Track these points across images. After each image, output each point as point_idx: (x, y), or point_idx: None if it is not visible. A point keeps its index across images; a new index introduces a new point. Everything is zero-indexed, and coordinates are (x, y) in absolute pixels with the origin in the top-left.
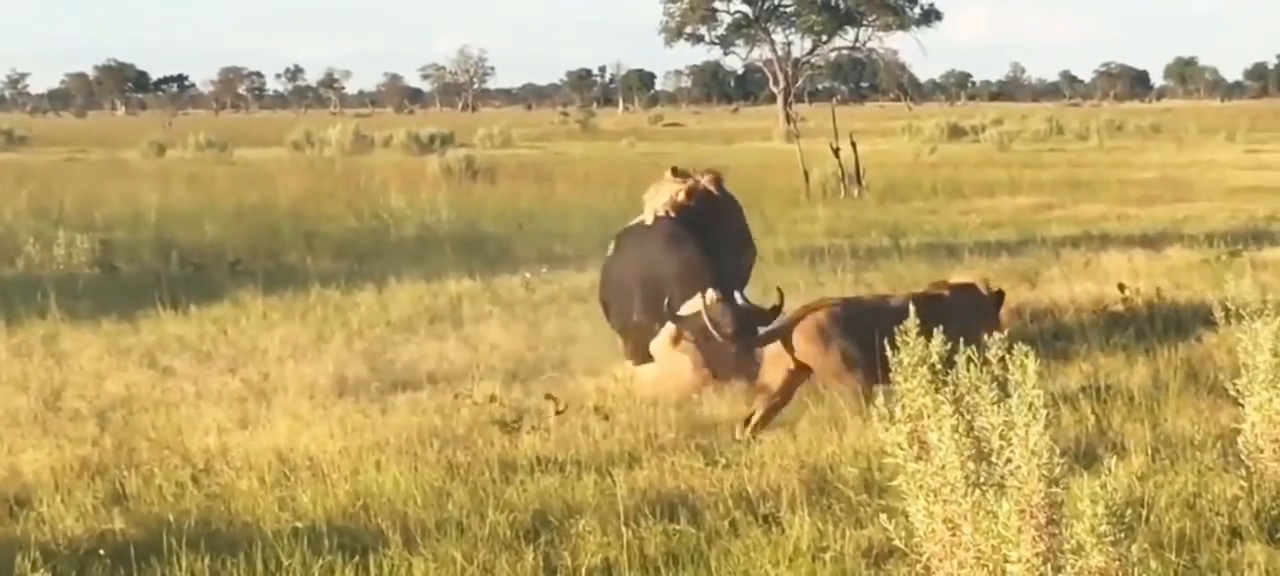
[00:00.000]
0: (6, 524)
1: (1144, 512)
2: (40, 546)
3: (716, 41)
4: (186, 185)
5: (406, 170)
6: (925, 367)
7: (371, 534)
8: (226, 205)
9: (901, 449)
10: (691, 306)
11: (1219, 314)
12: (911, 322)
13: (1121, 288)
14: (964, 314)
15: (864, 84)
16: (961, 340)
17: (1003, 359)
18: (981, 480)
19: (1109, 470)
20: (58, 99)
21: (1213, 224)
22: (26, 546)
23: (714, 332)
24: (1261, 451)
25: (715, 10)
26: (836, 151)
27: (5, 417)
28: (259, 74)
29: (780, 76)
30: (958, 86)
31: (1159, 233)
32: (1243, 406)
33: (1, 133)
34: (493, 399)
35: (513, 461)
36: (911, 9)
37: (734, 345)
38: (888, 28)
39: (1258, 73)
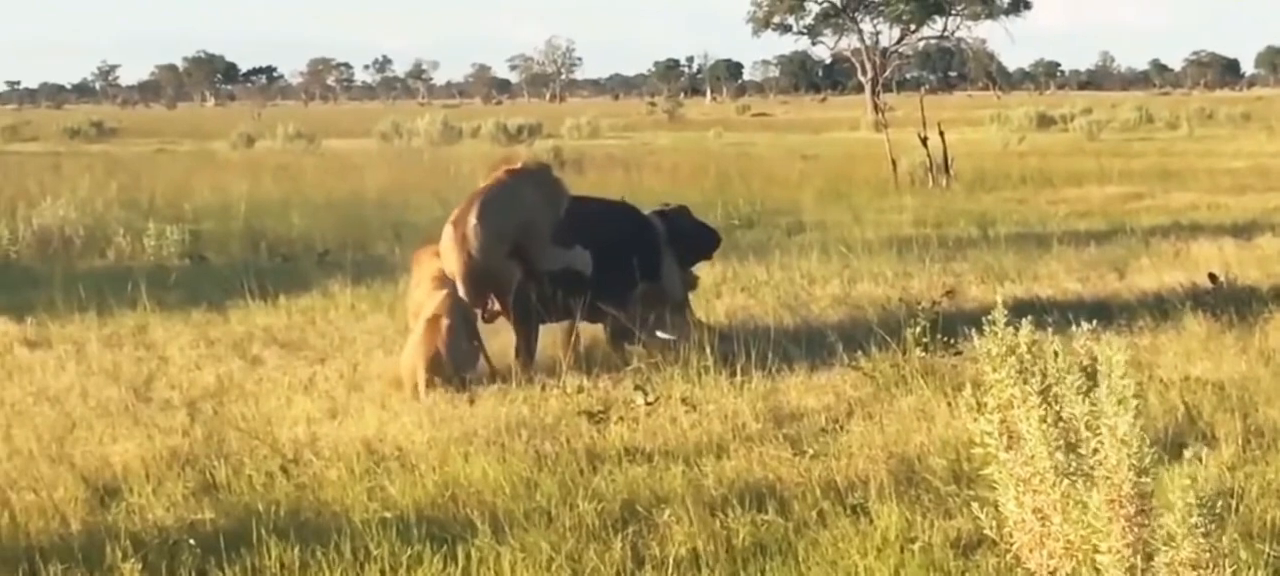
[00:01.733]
0: (98, 513)
1: (1235, 503)
2: (131, 536)
3: (804, 31)
4: (275, 176)
5: (494, 161)
6: (1014, 357)
7: (460, 524)
8: (315, 196)
9: (990, 439)
10: None
11: None
12: None
13: (1212, 277)
14: None
15: (952, 73)
16: None
17: (1091, 349)
18: (1071, 470)
19: (1199, 460)
20: (148, 90)
21: None
22: (117, 536)
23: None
24: None
25: (803, 0)
26: (924, 141)
27: (97, 408)
28: (347, 65)
29: (868, 66)
30: (1046, 75)
31: (1250, 222)
32: None
33: (92, 124)
34: (581, 389)
35: (600, 451)
36: None
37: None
38: (976, 16)
39: None
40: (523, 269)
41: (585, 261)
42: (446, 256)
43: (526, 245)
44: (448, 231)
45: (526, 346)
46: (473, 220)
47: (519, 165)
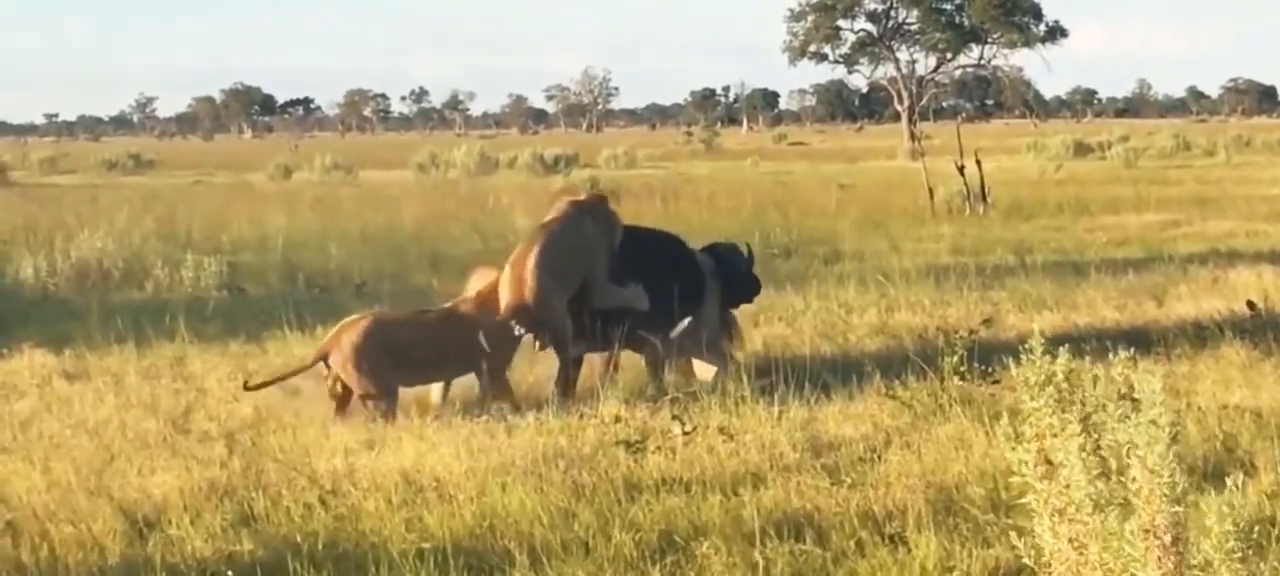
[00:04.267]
0: (136, 545)
1: (1274, 531)
2: (169, 567)
3: (841, 60)
4: (312, 208)
5: (531, 191)
6: (1051, 386)
7: (498, 554)
8: (352, 227)
9: (1027, 468)
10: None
11: None
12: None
13: (1250, 304)
14: (482, 331)
15: (989, 101)
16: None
17: (1129, 377)
18: (1108, 499)
19: (1238, 488)
20: (185, 122)
21: None
22: (155, 568)
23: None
24: None
25: (839, 29)
26: (961, 169)
27: (135, 439)
28: (384, 96)
29: (905, 94)
30: (1083, 103)
31: None
32: None
33: (130, 156)
34: (618, 419)
35: (638, 481)
36: (1037, 26)
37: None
38: (1013, 45)
39: None
40: (576, 304)
41: (641, 298)
42: (502, 291)
43: (588, 282)
44: (507, 271)
45: (567, 376)
46: (531, 262)
47: (582, 196)
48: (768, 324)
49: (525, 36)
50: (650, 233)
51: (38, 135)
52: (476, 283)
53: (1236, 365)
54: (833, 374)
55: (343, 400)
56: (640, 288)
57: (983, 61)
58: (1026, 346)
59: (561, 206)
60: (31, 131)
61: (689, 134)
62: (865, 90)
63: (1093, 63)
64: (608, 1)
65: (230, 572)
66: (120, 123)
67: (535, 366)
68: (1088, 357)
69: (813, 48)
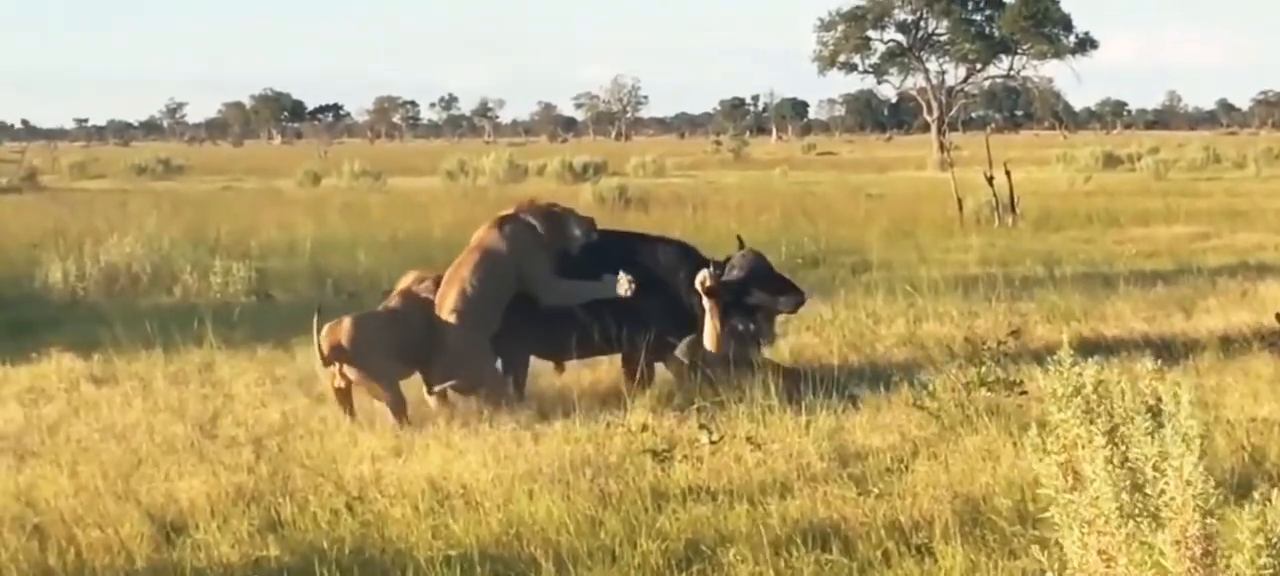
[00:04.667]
0: (163, 550)
1: None
2: (196, 572)
3: (870, 70)
4: (341, 214)
5: (560, 199)
6: (1079, 397)
7: (524, 562)
8: (381, 234)
9: (1055, 479)
10: None
11: None
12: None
13: (1279, 317)
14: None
15: (1018, 112)
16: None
17: (1157, 388)
18: (1136, 511)
19: (1267, 501)
20: (215, 128)
21: None
22: (182, 573)
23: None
24: None
25: (869, 39)
26: (991, 180)
27: (163, 444)
28: (413, 103)
29: (934, 105)
30: (1113, 114)
31: None
32: None
33: (159, 161)
34: (645, 427)
35: (665, 490)
36: (1067, 37)
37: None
38: (1042, 56)
39: None
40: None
41: (608, 288)
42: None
43: (529, 290)
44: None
45: (496, 396)
46: (446, 308)
47: (509, 211)
48: (795, 333)
49: (555, 44)
50: (669, 241)
51: (68, 140)
52: (406, 283)
53: (1265, 378)
54: (860, 383)
55: (344, 397)
56: (612, 277)
57: (1012, 72)
58: (1055, 357)
59: (480, 233)
60: (61, 136)
61: (718, 143)
62: (894, 100)
63: (1122, 74)
64: (638, 10)
65: None
66: (150, 128)
67: (536, 380)
68: (1116, 369)
69: (842, 57)
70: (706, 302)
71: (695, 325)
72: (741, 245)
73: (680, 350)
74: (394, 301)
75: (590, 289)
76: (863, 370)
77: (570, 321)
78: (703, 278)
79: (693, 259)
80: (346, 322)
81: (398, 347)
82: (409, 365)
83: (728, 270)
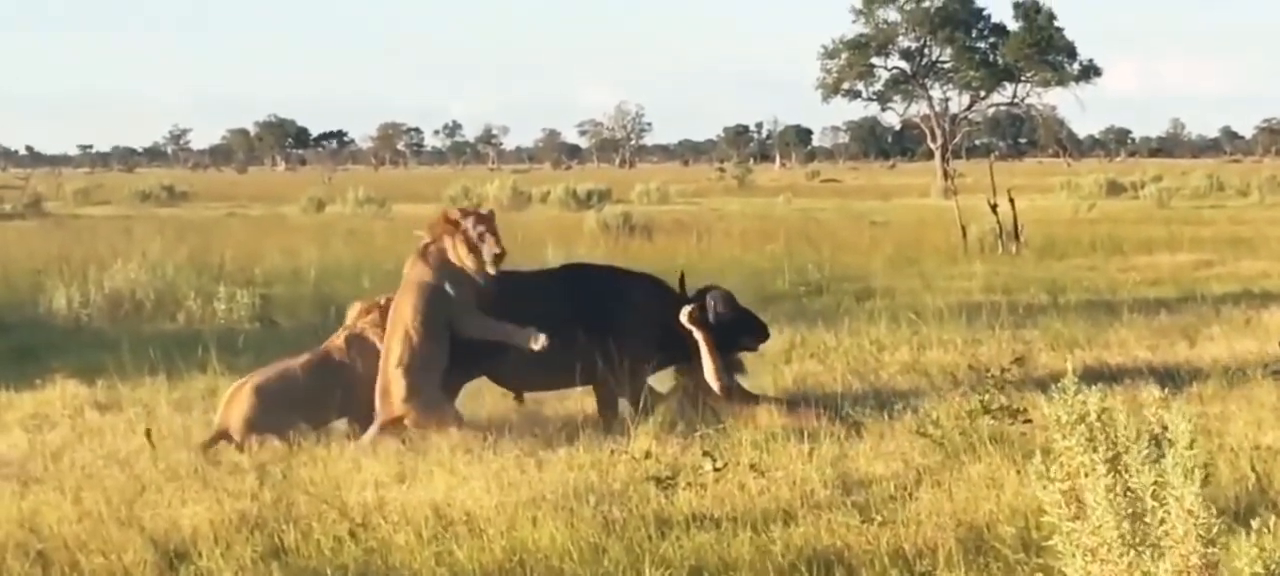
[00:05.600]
0: None
1: None
2: None
3: (874, 97)
4: (345, 241)
5: (564, 226)
6: (1083, 425)
7: None
8: (385, 261)
9: (1058, 507)
10: None
11: None
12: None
13: None
14: (356, 366)
15: (1022, 140)
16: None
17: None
18: (1138, 540)
19: (1268, 530)
20: (219, 154)
21: None
22: None
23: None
24: None
25: (873, 66)
26: (994, 208)
27: (166, 471)
28: (418, 130)
29: (938, 132)
30: (1117, 142)
31: None
32: None
33: (163, 188)
34: (649, 455)
35: (669, 517)
36: (1071, 65)
37: None
38: (1046, 83)
39: None
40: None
41: (524, 338)
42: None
43: (454, 319)
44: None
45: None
46: (387, 354)
47: (428, 240)
48: (799, 360)
49: (559, 72)
50: (648, 278)
51: (72, 166)
52: (353, 316)
53: (1269, 405)
54: (864, 411)
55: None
56: (530, 331)
57: (1016, 100)
58: (1059, 385)
59: (410, 261)
60: (66, 162)
61: (721, 170)
62: (898, 128)
63: (1126, 102)
64: (641, 37)
65: None
66: (154, 154)
67: (564, 400)
68: (1120, 397)
69: (846, 85)
70: (698, 338)
71: (659, 356)
72: (682, 281)
73: (667, 388)
74: (320, 352)
75: (505, 331)
76: (866, 397)
77: (530, 355)
78: (689, 312)
79: (661, 294)
80: (246, 390)
81: (303, 404)
82: (319, 419)
83: (712, 307)
